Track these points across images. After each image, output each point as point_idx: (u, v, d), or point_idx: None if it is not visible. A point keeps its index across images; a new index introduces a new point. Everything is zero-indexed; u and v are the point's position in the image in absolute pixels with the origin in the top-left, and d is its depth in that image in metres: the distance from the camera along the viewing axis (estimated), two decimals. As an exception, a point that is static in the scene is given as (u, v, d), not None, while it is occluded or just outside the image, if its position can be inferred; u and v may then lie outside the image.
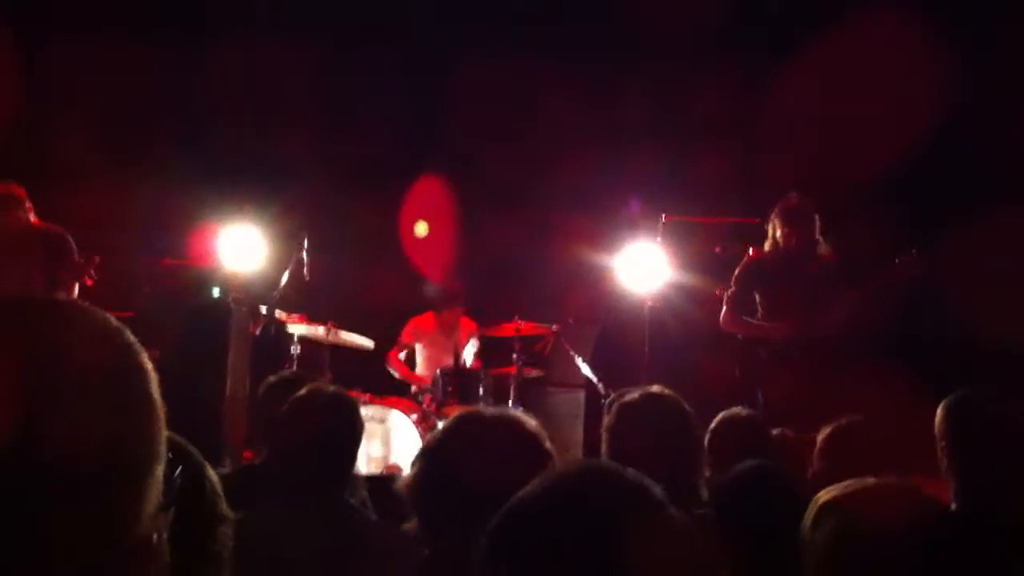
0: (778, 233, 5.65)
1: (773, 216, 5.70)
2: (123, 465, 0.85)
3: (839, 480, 2.84)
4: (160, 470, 0.89)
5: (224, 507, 1.56)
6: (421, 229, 8.36)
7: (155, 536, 0.88)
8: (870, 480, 1.69)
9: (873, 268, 5.65)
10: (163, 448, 0.90)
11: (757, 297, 5.69)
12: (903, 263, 5.49)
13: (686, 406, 2.86)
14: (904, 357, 6.68)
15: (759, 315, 5.68)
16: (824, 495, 1.69)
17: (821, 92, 7.29)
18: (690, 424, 2.83)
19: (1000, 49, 6.92)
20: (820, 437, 3.08)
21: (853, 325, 5.60)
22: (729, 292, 5.72)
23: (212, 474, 1.60)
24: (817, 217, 5.64)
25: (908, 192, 7.27)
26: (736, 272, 5.75)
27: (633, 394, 2.93)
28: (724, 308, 5.71)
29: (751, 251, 5.79)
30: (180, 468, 0.98)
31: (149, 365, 0.91)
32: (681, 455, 2.74)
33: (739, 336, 5.73)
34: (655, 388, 2.94)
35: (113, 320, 0.92)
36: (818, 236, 5.64)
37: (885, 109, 6.91)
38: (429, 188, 8.27)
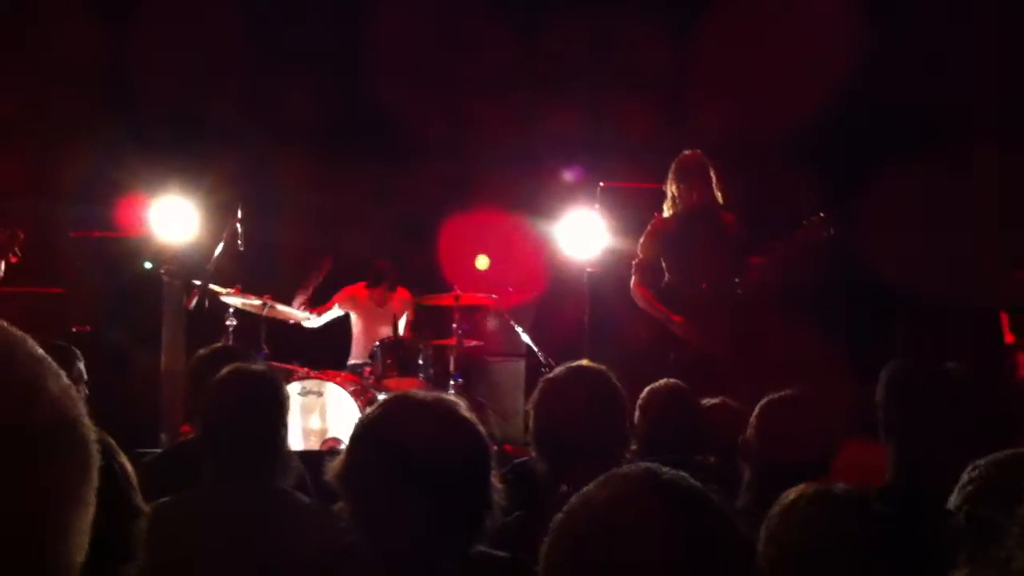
0: (676, 191, 5.61)
1: (670, 175, 5.65)
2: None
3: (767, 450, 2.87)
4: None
5: (138, 499, 1.49)
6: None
7: None
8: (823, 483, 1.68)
9: (780, 232, 5.63)
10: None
11: (663, 262, 5.65)
12: (808, 227, 5.46)
13: (612, 379, 2.79)
14: (819, 317, 6.76)
15: (665, 279, 5.64)
16: (790, 495, 1.68)
17: (757, 54, 7.30)
18: (615, 397, 2.77)
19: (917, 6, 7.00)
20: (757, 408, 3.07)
21: (765, 286, 5.59)
22: (636, 260, 5.69)
23: (125, 465, 1.52)
24: (713, 174, 5.59)
25: (845, 145, 7.34)
26: (641, 239, 5.72)
27: (558, 369, 2.88)
28: (633, 276, 5.68)
29: (655, 216, 5.77)
30: None
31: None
32: (606, 428, 2.70)
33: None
34: (581, 362, 2.89)
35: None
36: (717, 193, 5.59)
37: (816, 64, 6.94)
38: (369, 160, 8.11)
